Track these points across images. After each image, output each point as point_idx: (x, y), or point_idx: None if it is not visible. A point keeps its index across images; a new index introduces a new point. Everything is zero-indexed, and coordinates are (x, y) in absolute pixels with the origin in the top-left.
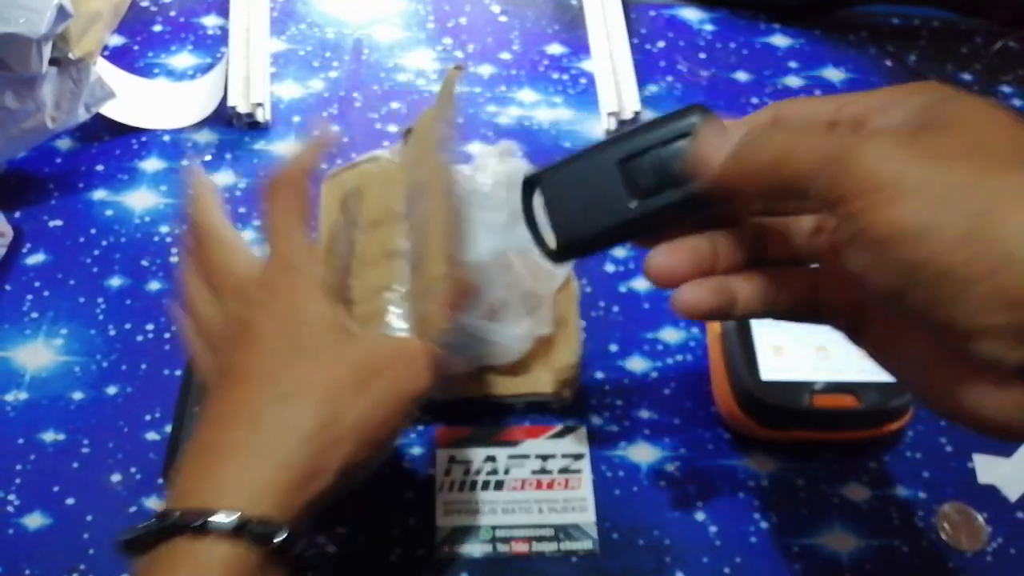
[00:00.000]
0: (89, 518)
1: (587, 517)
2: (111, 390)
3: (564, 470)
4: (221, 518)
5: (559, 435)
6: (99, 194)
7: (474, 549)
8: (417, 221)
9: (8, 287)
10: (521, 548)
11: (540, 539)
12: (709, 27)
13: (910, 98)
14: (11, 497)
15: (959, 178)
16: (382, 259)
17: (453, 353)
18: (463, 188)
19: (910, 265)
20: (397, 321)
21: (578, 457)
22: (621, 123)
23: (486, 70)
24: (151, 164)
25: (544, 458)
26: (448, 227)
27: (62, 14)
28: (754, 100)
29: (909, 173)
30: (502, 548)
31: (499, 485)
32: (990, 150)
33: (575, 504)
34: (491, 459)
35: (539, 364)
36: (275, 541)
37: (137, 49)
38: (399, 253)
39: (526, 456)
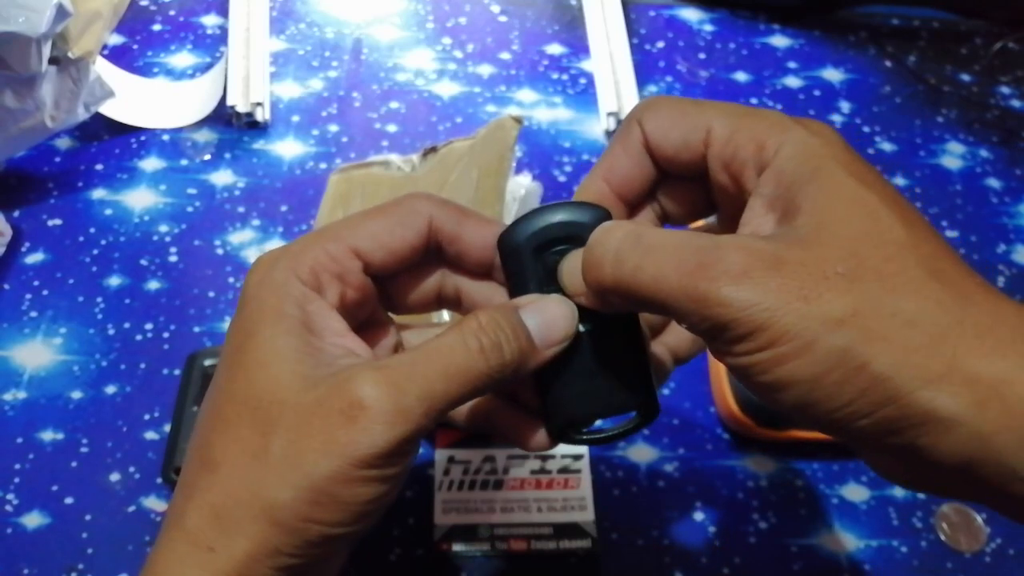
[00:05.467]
0: (88, 517)
1: (586, 516)
2: (110, 389)
3: (563, 470)
4: None
5: None
6: (98, 193)
7: (473, 548)
8: None
9: (7, 286)
10: (520, 547)
11: (539, 538)
12: (709, 27)
13: (773, 170)
14: (10, 496)
15: (828, 312)
16: None
17: None
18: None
19: (793, 403)
20: None
21: (577, 457)
22: (620, 123)
23: (486, 70)
24: (150, 163)
25: (543, 458)
26: None
27: (61, 13)
28: (753, 100)
29: (779, 318)
30: (501, 547)
31: (498, 484)
32: (855, 258)
33: (574, 503)
34: (490, 459)
35: None
36: None
37: (136, 48)
38: None
39: (525, 456)
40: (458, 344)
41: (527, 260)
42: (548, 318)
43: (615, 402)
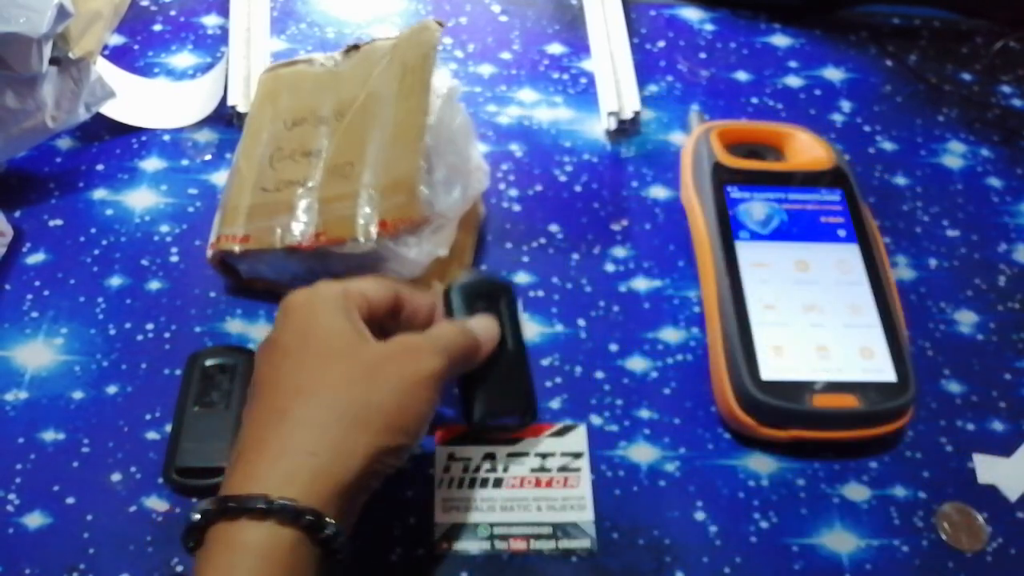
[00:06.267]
0: (89, 517)
1: (585, 516)
2: (111, 389)
3: (563, 468)
4: (250, 503)
5: (558, 433)
6: (99, 193)
7: (472, 547)
8: (351, 130)
9: (8, 287)
10: (519, 546)
11: (538, 537)
12: (709, 27)
13: None
14: (11, 496)
15: None
16: (299, 155)
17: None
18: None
19: None
20: (302, 213)
21: (577, 456)
22: (621, 123)
23: (486, 70)
24: (151, 164)
25: (543, 456)
26: (416, 151)
27: (62, 13)
28: (754, 100)
29: None
30: (500, 546)
31: (498, 483)
32: None
33: (574, 503)
34: (490, 456)
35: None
36: (304, 521)
37: (137, 48)
38: (315, 153)
39: (525, 454)
40: (448, 327)
41: (461, 304)
42: (485, 324)
43: (512, 406)
